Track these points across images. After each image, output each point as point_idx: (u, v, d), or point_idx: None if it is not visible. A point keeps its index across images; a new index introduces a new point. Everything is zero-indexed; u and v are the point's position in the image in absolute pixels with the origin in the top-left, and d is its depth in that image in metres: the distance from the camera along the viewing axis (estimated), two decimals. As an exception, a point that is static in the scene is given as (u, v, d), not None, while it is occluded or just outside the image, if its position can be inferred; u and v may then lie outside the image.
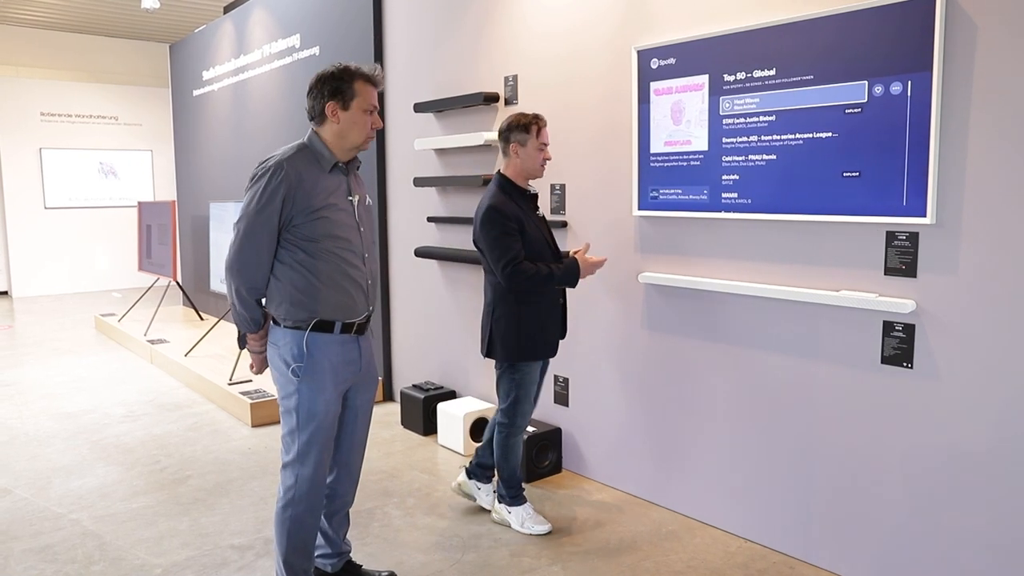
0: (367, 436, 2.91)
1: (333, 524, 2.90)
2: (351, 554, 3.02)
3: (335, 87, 2.57)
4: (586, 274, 3.34)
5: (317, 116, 2.62)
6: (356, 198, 2.69)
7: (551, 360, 3.91)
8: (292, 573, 2.67)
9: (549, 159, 3.40)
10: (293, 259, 2.56)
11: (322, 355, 2.59)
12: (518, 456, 3.51)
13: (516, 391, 3.41)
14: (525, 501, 3.53)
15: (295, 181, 2.50)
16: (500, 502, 3.55)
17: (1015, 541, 2.57)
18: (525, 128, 3.31)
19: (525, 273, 3.19)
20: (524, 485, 3.70)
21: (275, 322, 2.63)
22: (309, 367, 2.57)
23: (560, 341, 3.51)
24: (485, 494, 3.66)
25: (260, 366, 2.76)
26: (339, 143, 2.62)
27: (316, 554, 2.86)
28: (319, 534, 2.84)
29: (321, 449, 2.63)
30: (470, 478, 3.67)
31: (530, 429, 4.08)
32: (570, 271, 3.29)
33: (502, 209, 3.23)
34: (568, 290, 3.55)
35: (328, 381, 2.61)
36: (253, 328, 2.65)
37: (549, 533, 3.42)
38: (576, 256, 3.34)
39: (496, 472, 3.57)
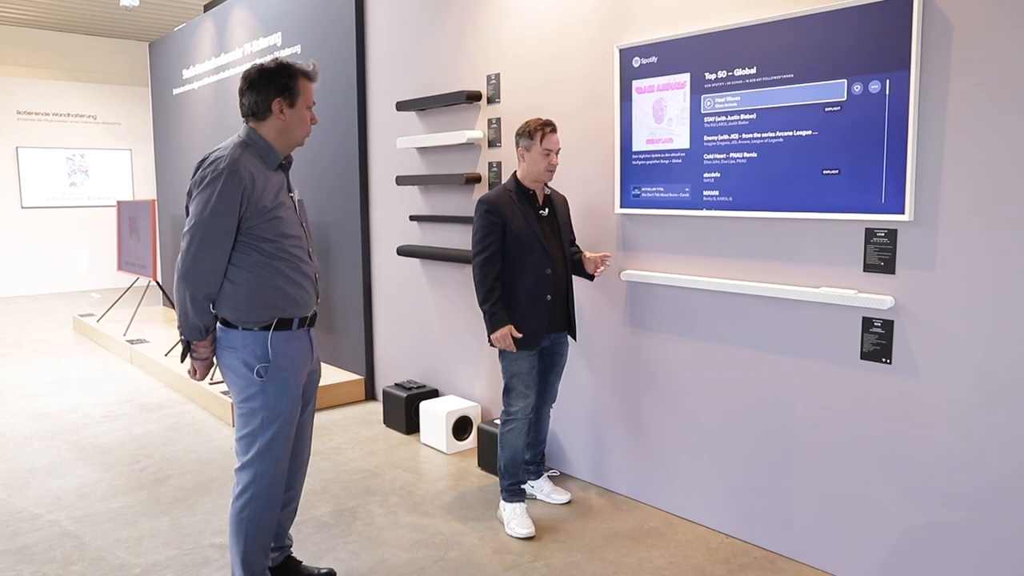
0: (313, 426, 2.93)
1: (282, 517, 2.85)
2: (292, 549, 2.99)
3: (282, 83, 2.52)
4: (497, 338, 3.37)
5: (260, 112, 2.54)
6: (295, 194, 2.67)
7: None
8: (251, 572, 2.64)
9: (555, 164, 3.46)
10: (248, 261, 2.51)
11: (285, 353, 2.57)
12: (517, 447, 3.53)
13: (506, 379, 3.52)
14: (520, 500, 3.54)
15: (249, 182, 2.45)
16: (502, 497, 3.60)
17: (993, 536, 2.61)
18: (530, 135, 3.41)
19: (478, 277, 3.39)
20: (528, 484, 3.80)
21: (228, 325, 2.55)
22: (274, 367, 2.54)
23: (559, 336, 3.63)
24: (538, 491, 3.77)
25: (205, 372, 2.64)
26: (282, 140, 2.58)
27: None
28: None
29: (284, 445, 2.61)
30: None
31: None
32: (491, 320, 3.38)
33: (488, 202, 3.42)
34: (565, 287, 3.58)
35: (292, 378, 2.60)
36: (203, 336, 2.54)
37: (531, 538, 3.40)
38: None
39: (500, 469, 3.61)
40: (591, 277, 3.63)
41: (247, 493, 2.59)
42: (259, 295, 2.52)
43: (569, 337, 3.69)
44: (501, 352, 3.48)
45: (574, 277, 3.63)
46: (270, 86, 2.52)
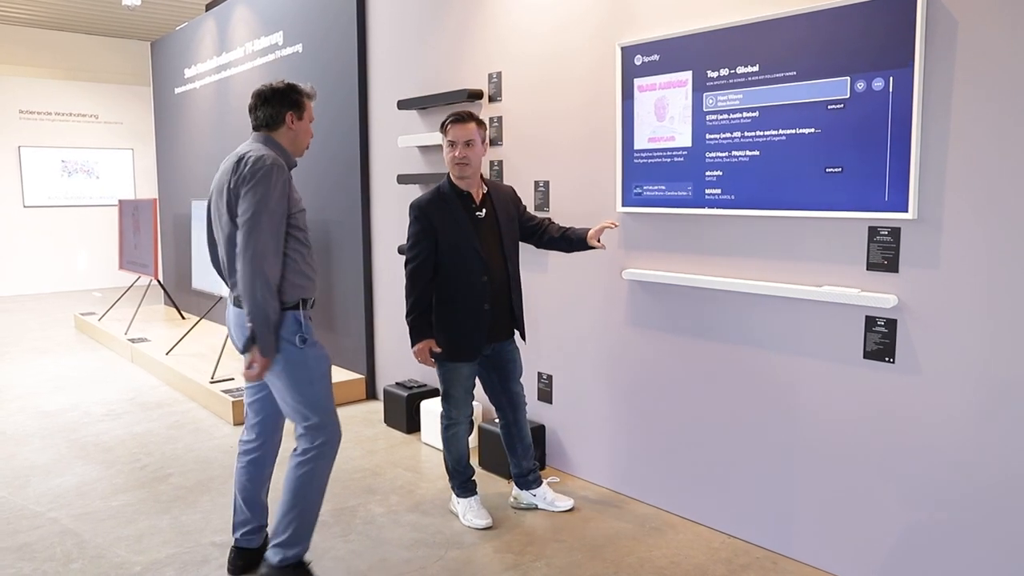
0: None
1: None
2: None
3: (293, 99, 2.91)
4: (415, 355, 3.34)
5: (274, 124, 2.90)
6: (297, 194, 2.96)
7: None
8: (310, 528, 2.90)
9: (463, 156, 3.27)
10: (287, 248, 2.81)
11: (308, 327, 2.88)
12: (459, 449, 3.53)
13: (443, 386, 3.47)
14: (471, 495, 3.56)
15: (288, 178, 2.80)
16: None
17: (996, 536, 2.59)
18: (441, 128, 3.33)
19: (406, 287, 3.33)
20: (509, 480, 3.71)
21: None
22: (309, 336, 2.85)
23: (505, 344, 3.50)
24: (540, 499, 3.67)
25: (263, 371, 2.80)
26: (293, 147, 2.96)
27: (243, 531, 3.05)
28: (253, 507, 3.06)
29: (333, 402, 2.93)
30: (521, 490, 3.70)
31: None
32: (411, 333, 3.33)
33: (418, 207, 3.32)
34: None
35: (320, 345, 2.91)
36: (270, 323, 2.73)
37: (489, 528, 3.44)
38: (592, 232, 3.37)
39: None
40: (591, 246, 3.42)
41: (314, 451, 2.84)
42: (294, 278, 2.83)
43: (519, 339, 3.57)
44: (438, 361, 3.40)
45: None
46: (283, 101, 2.89)
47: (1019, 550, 2.54)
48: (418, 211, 3.31)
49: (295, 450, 2.87)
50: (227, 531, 3.42)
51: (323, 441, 2.85)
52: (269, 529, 3.03)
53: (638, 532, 3.43)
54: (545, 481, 3.75)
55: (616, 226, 3.37)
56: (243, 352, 2.81)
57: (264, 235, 2.68)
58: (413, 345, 3.34)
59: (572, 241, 3.45)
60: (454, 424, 3.50)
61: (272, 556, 2.87)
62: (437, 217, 3.29)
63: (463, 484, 3.56)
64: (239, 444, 3.08)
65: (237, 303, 2.85)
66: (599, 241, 3.39)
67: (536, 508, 3.66)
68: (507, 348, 3.53)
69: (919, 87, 2.61)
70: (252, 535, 3.09)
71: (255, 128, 2.93)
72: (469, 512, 3.50)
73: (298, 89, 2.93)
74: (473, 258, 3.30)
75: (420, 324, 3.33)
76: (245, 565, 3.07)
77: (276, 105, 2.88)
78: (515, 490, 3.71)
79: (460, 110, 3.36)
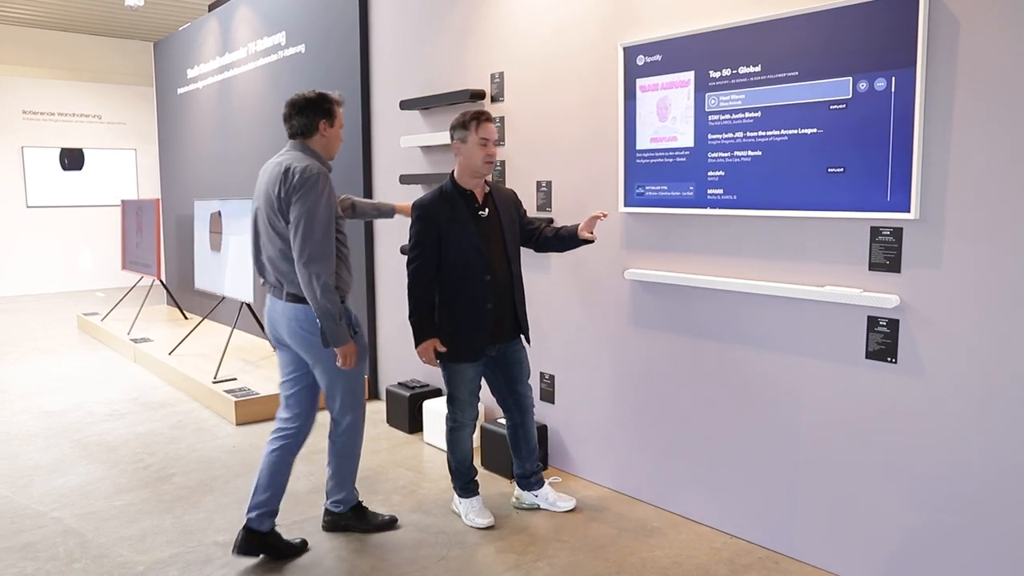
0: None
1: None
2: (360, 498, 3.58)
3: (326, 109, 3.14)
4: (419, 355, 3.34)
5: (309, 132, 3.13)
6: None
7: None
8: (353, 478, 3.41)
9: (494, 155, 3.31)
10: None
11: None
12: (464, 451, 3.52)
13: (448, 388, 3.46)
14: (474, 495, 3.56)
15: (331, 185, 3.07)
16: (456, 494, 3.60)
17: (998, 534, 2.59)
18: (464, 125, 3.28)
19: (408, 286, 3.33)
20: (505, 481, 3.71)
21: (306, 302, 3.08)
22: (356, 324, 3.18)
23: (511, 344, 3.48)
24: (542, 500, 3.66)
25: (354, 357, 3.13)
26: (326, 152, 3.20)
27: (258, 512, 3.16)
28: (344, 483, 3.42)
29: (363, 388, 3.33)
30: (524, 490, 3.69)
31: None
32: (415, 332, 3.34)
33: (421, 207, 3.32)
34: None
35: (359, 337, 3.19)
36: (338, 319, 3.02)
37: (491, 527, 3.45)
38: (583, 230, 3.37)
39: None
40: (586, 241, 3.42)
41: (350, 428, 3.28)
42: (338, 275, 3.10)
43: (524, 341, 3.55)
44: (442, 363, 3.39)
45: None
46: (316, 110, 3.12)
47: (1021, 549, 2.54)
48: (421, 210, 3.30)
49: (333, 427, 3.30)
50: (230, 530, 3.43)
51: (352, 421, 3.27)
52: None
53: (640, 532, 3.43)
54: (547, 481, 3.74)
55: (606, 216, 3.37)
56: (325, 347, 3.08)
57: (316, 239, 2.95)
58: (417, 345, 3.34)
59: (564, 239, 3.46)
60: (459, 427, 3.49)
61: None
62: (441, 217, 3.28)
63: (466, 485, 3.56)
64: (274, 431, 3.23)
65: (276, 295, 3.14)
66: (591, 233, 3.38)
67: (538, 508, 3.66)
68: (513, 349, 3.51)
69: (921, 87, 2.61)
70: (265, 518, 3.17)
71: (291, 136, 3.17)
72: (471, 512, 3.50)
73: (329, 98, 3.15)
74: (476, 257, 3.29)
75: (423, 323, 3.32)
76: (251, 549, 3.16)
77: (310, 114, 3.10)
78: (517, 490, 3.71)
79: (479, 109, 3.34)
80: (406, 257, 3.36)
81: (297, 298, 3.08)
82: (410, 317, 3.34)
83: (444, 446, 4.43)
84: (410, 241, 3.35)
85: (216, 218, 6.59)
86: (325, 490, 3.46)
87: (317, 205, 2.97)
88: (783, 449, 3.16)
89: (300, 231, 2.95)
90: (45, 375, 6.43)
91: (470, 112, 3.30)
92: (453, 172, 3.38)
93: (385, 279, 5.42)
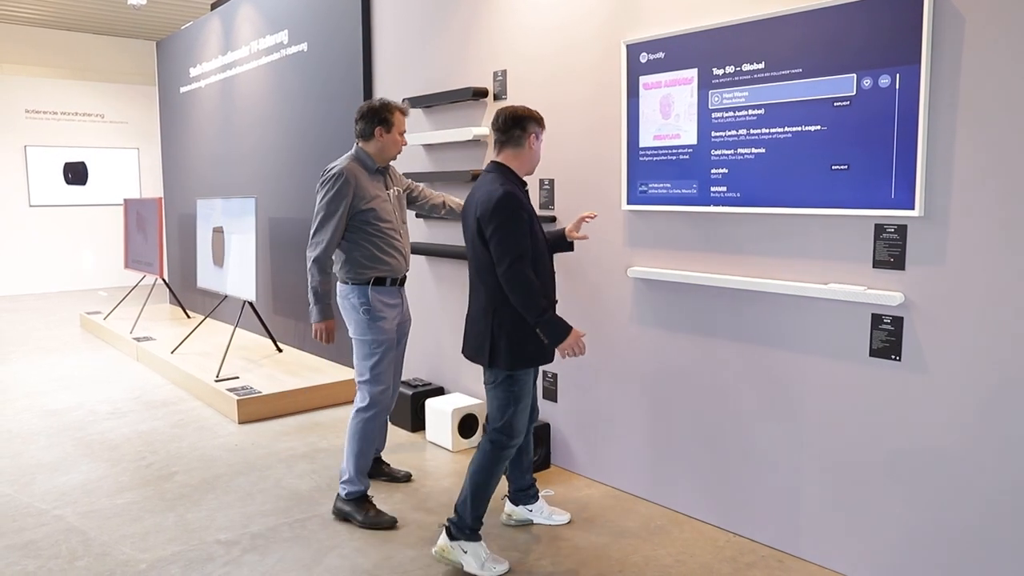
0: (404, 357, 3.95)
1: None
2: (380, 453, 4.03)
3: (383, 116, 3.52)
4: (568, 346, 2.94)
5: (367, 135, 3.54)
6: (392, 191, 3.64)
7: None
8: (359, 469, 3.55)
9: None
10: (353, 238, 3.49)
11: (381, 301, 3.53)
12: (497, 482, 3.11)
13: (514, 404, 3.04)
14: (480, 538, 3.12)
15: (353, 184, 3.44)
16: (454, 539, 3.06)
17: (1003, 533, 2.58)
18: (539, 121, 3.11)
19: (524, 283, 2.86)
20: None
21: (343, 282, 3.56)
22: (374, 310, 3.51)
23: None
24: (537, 513, 3.50)
25: (327, 335, 3.54)
26: (380, 155, 3.57)
27: (339, 482, 3.59)
28: (347, 466, 3.60)
29: (388, 367, 3.59)
30: (517, 505, 3.50)
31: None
32: (559, 328, 2.91)
33: (520, 198, 2.96)
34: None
35: (388, 319, 3.55)
36: (316, 295, 3.47)
37: (508, 572, 3.07)
38: (570, 233, 3.38)
39: (469, 500, 3.06)
40: (571, 246, 3.41)
41: (366, 407, 3.54)
42: (360, 261, 3.50)
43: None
44: (509, 375, 3.01)
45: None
46: (374, 118, 3.52)
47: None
48: (517, 202, 2.92)
49: (357, 400, 3.59)
50: (231, 529, 3.43)
51: (369, 398, 3.54)
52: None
53: (643, 530, 3.42)
54: (541, 494, 3.57)
55: (595, 216, 3.40)
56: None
57: (316, 224, 3.45)
58: (562, 340, 2.92)
59: (550, 244, 3.25)
60: (511, 452, 3.08)
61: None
62: (529, 209, 3.01)
63: (479, 523, 3.10)
64: (372, 405, 3.56)
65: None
66: (578, 231, 3.37)
67: (531, 524, 3.50)
68: None
69: (926, 84, 2.60)
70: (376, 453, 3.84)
71: (356, 138, 3.59)
72: (489, 560, 3.06)
73: (389, 107, 3.54)
74: (544, 249, 3.09)
75: (556, 316, 2.94)
76: (375, 471, 3.90)
77: (369, 121, 3.52)
78: (508, 507, 3.52)
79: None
80: (506, 257, 2.88)
81: (338, 279, 3.57)
82: (542, 315, 2.89)
83: (452, 446, 4.42)
84: (510, 234, 2.88)
85: (218, 234, 6.59)
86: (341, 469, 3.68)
87: (322, 199, 3.44)
88: (787, 447, 3.15)
89: (314, 220, 3.47)
90: (48, 374, 6.44)
91: (535, 110, 3.12)
92: (506, 168, 3.07)
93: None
